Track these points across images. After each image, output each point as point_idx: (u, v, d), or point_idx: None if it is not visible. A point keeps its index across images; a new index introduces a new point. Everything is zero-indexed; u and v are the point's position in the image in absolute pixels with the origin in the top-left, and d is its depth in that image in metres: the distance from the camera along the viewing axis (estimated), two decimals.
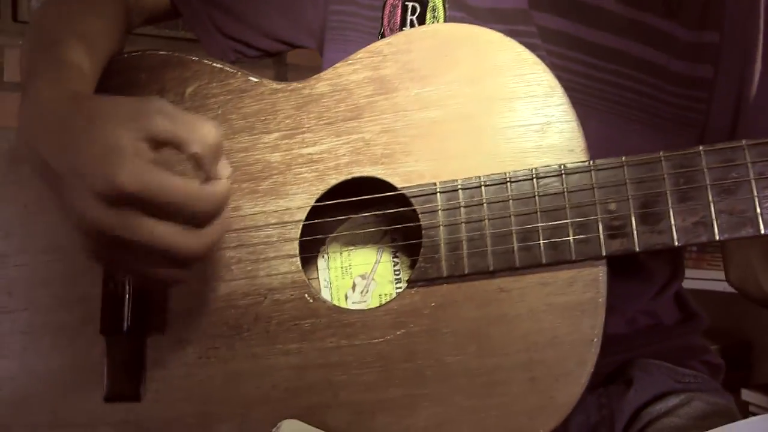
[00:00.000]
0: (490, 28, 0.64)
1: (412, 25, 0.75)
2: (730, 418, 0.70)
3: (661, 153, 0.57)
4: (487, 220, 0.60)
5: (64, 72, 0.62)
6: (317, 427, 0.61)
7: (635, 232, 0.57)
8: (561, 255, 0.58)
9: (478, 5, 0.74)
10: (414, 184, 0.62)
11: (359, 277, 0.71)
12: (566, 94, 0.61)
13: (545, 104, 0.61)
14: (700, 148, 0.57)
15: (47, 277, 0.69)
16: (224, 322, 0.65)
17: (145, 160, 0.50)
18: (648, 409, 0.72)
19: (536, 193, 0.59)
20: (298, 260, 0.65)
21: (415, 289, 0.61)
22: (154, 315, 0.66)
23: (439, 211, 0.61)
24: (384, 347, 0.61)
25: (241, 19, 0.85)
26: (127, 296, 0.65)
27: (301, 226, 0.65)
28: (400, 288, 0.69)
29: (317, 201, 0.65)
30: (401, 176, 0.63)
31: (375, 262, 0.71)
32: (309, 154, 0.66)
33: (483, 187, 0.60)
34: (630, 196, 0.57)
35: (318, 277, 0.72)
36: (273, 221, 0.66)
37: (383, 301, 0.66)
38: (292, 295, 0.64)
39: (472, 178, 0.61)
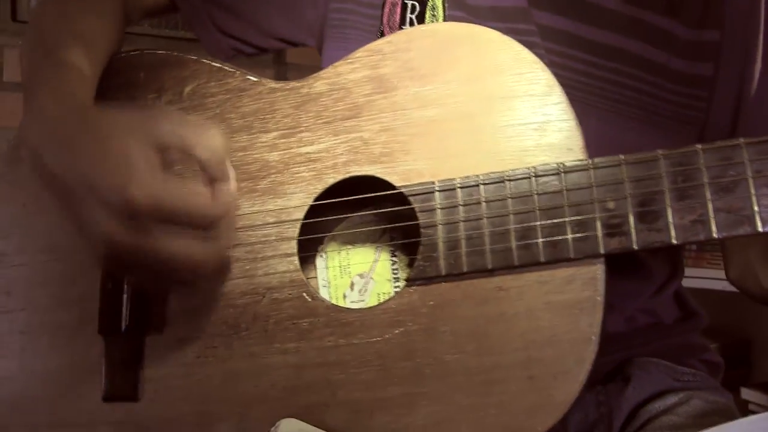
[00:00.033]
0: (490, 26, 0.64)
1: (411, 24, 0.75)
2: (730, 417, 0.70)
3: (659, 151, 0.57)
4: (485, 219, 0.60)
5: (65, 78, 0.62)
6: (316, 426, 0.61)
7: (633, 231, 0.57)
8: (559, 253, 0.58)
9: (477, 4, 0.74)
10: (412, 183, 0.62)
11: (357, 276, 0.71)
12: (565, 93, 0.61)
13: (544, 103, 0.61)
14: (699, 146, 0.57)
15: (45, 277, 0.69)
16: (222, 322, 0.65)
17: (155, 168, 0.51)
18: (647, 407, 0.72)
19: (534, 192, 0.59)
20: (296, 259, 0.65)
21: (413, 287, 0.61)
22: (152, 315, 0.66)
23: (438, 210, 0.61)
24: (382, 346, 0.61)
25: (240, 17, 0.85)
26: (125, 296, 0.65)
27: (299, 225, 0.65)
28: (399, 287, 0.69)
29: (315, 200, 0.65)
30: (400, 175, 0.63)
31: (373, 261, 0.71)
32: (307, 153, 0.66)
33: (481, 186, 0.60)
34: (628, 195, 0.57)
35: (316, 276, 0.72)
36: (271, 220, 0.66)
37: (382, 300, 0.66)
38: (290, 294, 0.64)
39: (470, 176, 0.61)
